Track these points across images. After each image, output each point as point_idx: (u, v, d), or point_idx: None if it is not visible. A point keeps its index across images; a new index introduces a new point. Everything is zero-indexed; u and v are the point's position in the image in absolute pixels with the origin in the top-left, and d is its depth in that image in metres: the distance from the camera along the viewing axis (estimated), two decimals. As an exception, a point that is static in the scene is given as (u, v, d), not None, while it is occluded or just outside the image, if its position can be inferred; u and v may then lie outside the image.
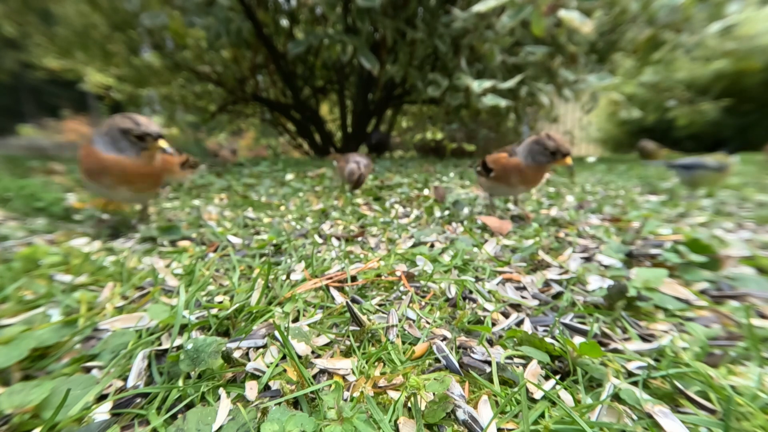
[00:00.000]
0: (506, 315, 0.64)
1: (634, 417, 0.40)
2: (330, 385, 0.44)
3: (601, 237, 1.09)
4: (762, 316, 0.63)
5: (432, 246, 1.01)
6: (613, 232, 1.14)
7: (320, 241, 1.08)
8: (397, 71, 3.68)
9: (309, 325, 0.58)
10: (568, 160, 1.14)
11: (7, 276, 0.73)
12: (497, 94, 3.06)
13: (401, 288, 0.73)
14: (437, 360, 0.50)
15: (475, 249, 0.96)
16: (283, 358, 0.49)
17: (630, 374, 0.48)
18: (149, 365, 0.49)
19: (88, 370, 0.49)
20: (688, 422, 0.39)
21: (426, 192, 1.93)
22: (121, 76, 5.32)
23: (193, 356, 0.46)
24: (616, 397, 0.43)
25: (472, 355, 0.51)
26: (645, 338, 0.57)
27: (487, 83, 2.92)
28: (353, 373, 0.47)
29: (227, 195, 1.85)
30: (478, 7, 2.44)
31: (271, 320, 0.58)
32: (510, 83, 2.96)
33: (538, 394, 0.43)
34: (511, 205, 1.57)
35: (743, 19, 5.19)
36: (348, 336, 0.55)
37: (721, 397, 0.42)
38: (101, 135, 1.02)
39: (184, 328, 0.56)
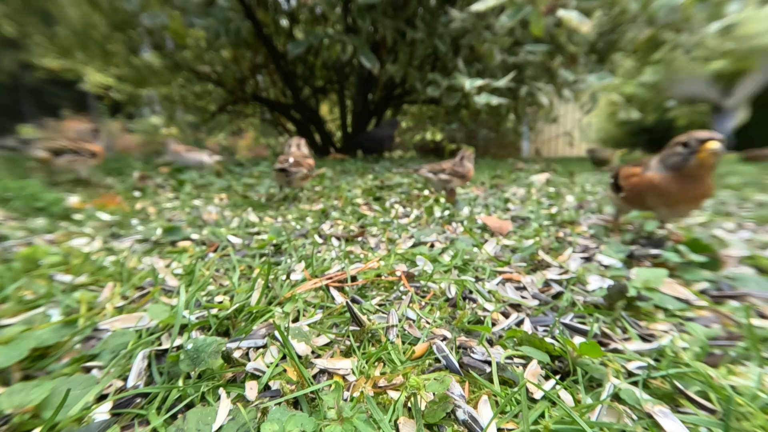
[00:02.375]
0: (506, 315, 0.64)
1: (634, 417, 0.40)
2: (330, 385, 0.44)
3: (601, 237, 1.09)
4: (762, 316, 0.63)
5: (432, 246, 1.01)
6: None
7: (320, 241, 1.08)
8: (397, 71, 3.68)
9: (309, 325, 0.58)
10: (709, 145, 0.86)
11: (7, 276, 0.73)
12: (495, 92, 3.06)
13: (401, 288, 0.73)
14: (437, 360, 0.50)
15: (475, 249, 0.96)
16: (283, 358, 0.49)
17: (630, 374, 0.48)
18: (149, 365, 0.49)
19: (88, 370, 0.49)
20: (688, 422, 0.39)
21: (426, 192, 1.93)
22: (121, 76, 5.33)
23: (193, 356, 0.45)
24: (616, 397, 0.43)
25: (472, 355, 0.51)
26: (645, 338, 0.57)
27: (479, 81, 2.91)
28: (353, 373, 0.47)
29: (227, 195, 1.85)
30: (476, 6, 2.44)
31: (271, 320, 0.58)
32: (503, 81, 2.95)
33: (538, 394, 0.43)
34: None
35: (743, 18, 5.19)
36: (348, 336, 0.55)
37: (721, 397, 0.42)
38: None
39: (184, 328, 0.56)
